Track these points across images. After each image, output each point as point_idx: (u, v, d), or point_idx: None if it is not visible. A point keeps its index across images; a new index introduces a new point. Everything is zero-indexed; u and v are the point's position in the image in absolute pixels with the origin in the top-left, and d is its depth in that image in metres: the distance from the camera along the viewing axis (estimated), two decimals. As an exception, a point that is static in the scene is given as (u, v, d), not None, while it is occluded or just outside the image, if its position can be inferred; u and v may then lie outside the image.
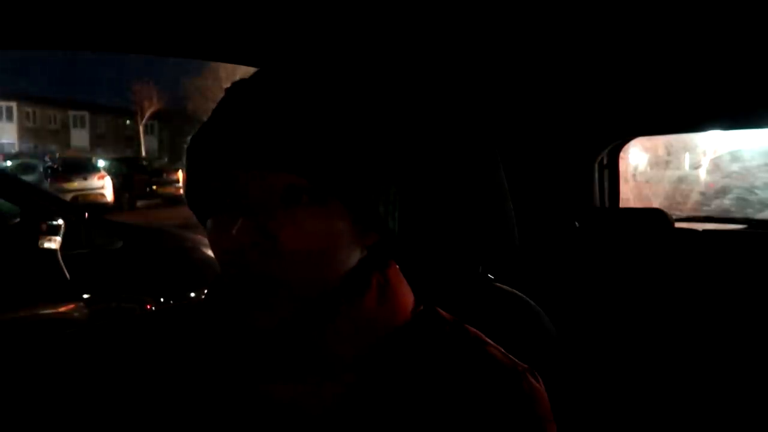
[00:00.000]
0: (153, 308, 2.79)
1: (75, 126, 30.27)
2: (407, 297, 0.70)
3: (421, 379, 0.64)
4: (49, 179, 12.60)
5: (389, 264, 0.70)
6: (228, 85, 0.65)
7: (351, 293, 0.63)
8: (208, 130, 0.62)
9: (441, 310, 0.72)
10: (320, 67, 0.65)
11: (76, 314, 2.81)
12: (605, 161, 1.82)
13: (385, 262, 0.69)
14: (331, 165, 0.59)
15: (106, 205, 12.54)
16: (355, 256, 0.65)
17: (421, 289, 0.73)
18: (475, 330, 0.71)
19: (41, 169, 13.16)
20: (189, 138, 0.66)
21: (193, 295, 2.97)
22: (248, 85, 0.63)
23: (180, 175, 15.67)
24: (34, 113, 28.29)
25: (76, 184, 12.67)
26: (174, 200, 14.49)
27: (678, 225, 1.78)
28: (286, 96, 0.60)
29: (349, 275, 0.64)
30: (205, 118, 0.64)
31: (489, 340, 0.70)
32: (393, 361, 0.64)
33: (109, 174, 13.69)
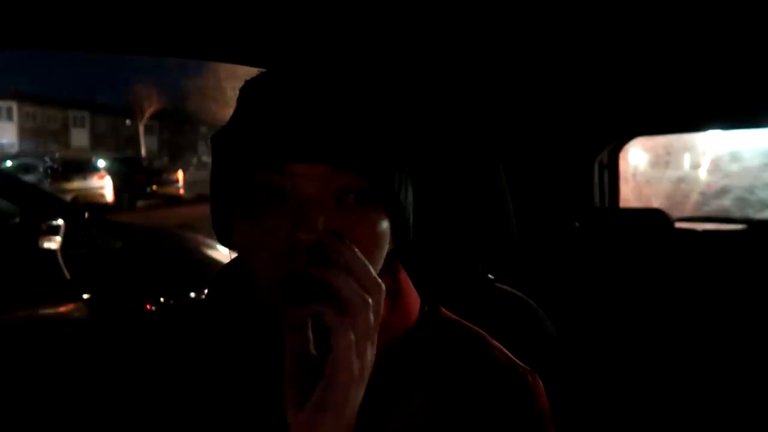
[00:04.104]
0: (153, 308, 2.79)
1: (75, 126, 30.28)
2: (415, 299, 0.71)
3: (431, 380, 0.65)
4: (49, 179, 12.58)
5: (397, 267, 0.70)
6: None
7: None
8: (263, 121, 0.58)
9: (444, 310, 0.73)
10: (358, 70, 0.63)
11: (76, 314, 2.81)
12: (605, 161, 1.82)
13: (394, 266, 0.70)
14: (389, 169, 0.59)
15: (106, 205, 12.53)
16: (383, 260, 0.65)
17: (424, 289, 0.74)
18: (477, 329, 0.71)
19: (41, 169, 13.14)
20: (221, 130, 0.64)
21: (193, 295, 2.97)
22: (312, 81, 0.60)
23: (180, 175, 15.69)
24: (34, 113, 28.29)
25: (76, 184, 12.66)
26: (174, 200, 14.49)
27: (678, 225, 1.78)
28: (360, 100, 0.60)
29: None
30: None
31: (492, 341, 0.70)
32: (407, 362, 0.65)
33: (109, 174, 13.68)
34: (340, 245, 0.54)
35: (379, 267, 0.62)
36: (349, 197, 0.58)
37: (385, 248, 0.62)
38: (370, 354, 0.53)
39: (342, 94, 0.59)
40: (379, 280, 0.54)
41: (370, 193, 0.59)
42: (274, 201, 0.58)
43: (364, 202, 0.59)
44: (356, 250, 0.54)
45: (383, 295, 0.54)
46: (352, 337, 0.51)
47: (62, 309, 2.79)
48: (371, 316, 0.52)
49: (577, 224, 1.74)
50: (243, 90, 0.64)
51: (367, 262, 0.54)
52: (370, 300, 0.52)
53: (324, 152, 0.56)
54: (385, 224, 0.61)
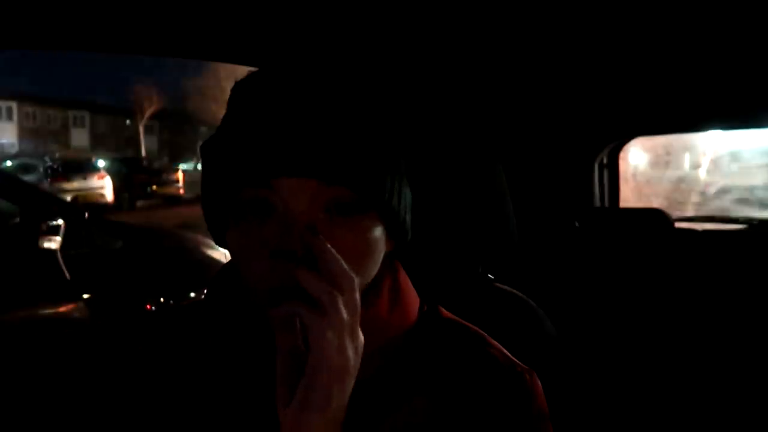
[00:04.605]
0: (153, 308, 2.79)
1: (75, 126, 30.33)
2: (415, 299, 0.72)
3: (430, 380, 0.65)
4: (49, 179, 12.60)
5: (397, 267, 0.71)
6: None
7: (368, 299, 0.64)
8: (248, 136, 0.57)
9: (443, 309, 0.73)
10: (348, 75, 0.63)
11: (76, 314, 2.80)
12: (605, 161, 1.82)
13: (394, 266, 0.70)
14: (377, 179, 0.59)
15: (106, 205, 12.55)
16: (379, 263, 0.64)
17: (423, 288, 0.74)
18: (476, 329, 0.71)
19: (41, 169, 13.15)
20: (209, 139, 0.63)
21: (193, 295, 2.97)
22: (302, 91, 0.59)
23: (180, 175, 15.70)
24: (34, 113, 28.32)
25: (76, 184, 12.68)
26: (174, 200, 14.51)
27: (678, 225, 1.78)
28: (347, 109, 0.59)
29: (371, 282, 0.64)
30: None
31: (491, 341, 0.70)
32: (406, 362, 0.66)
33: (109, 174, 13.69)
34: (314, 241, 0.54)
35: (374, 271, 0.62)
36: (339, 207, 0.58)
37: (380, 253, 0.62)
38: (352, 349, 0.53)
39: (326, 105, 0.58)
40: (351, 273, 0.53)
41: (360, 201, 0.58)
42: (262, 213, 0.58)
43: (354, 210, 0.58)
44: (327, 244, 0.54)
45: (356, 287, 0.54)
46: (330, 334, 0.51)
47: (62, 309, 2.78)
48: (343, 311, 0.52)
49: (577, 224, 1.74)
50: (232, 93, 0.64)
51: (338, 257, 0.53)
52: (339, 295, 0.52)
53: (310, 168, 0.55)
54: (377, 230, 0.60)
